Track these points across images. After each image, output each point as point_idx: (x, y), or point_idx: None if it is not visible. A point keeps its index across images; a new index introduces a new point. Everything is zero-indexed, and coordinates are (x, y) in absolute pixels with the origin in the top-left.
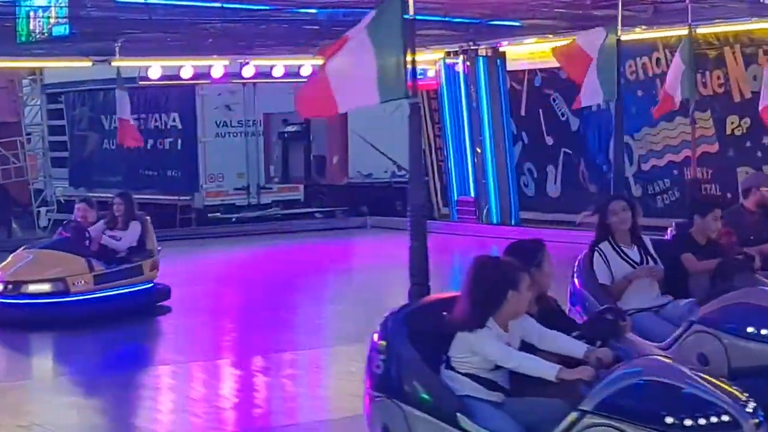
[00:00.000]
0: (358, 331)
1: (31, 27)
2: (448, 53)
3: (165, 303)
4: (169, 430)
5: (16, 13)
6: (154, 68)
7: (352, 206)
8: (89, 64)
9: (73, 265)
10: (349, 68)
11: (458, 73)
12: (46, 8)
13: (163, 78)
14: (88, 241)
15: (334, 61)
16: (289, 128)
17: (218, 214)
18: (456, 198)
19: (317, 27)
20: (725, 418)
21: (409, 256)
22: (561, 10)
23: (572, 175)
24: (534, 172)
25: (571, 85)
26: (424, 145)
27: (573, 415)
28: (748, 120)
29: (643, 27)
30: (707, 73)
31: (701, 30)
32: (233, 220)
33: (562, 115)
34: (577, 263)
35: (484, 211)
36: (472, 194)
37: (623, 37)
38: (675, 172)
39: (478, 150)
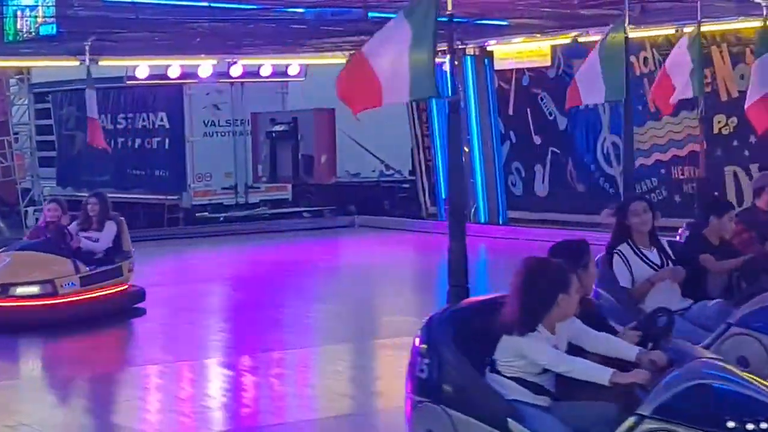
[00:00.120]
0: (346, 331)
1: (19, 26)
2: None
3: (140, 305)
4: (157, 429)
5: (3, 13)
6: (142, 68)
7: (340, 205)
8: (76, 63)
9: (60, 266)
10: (389, 62)
11: (446, 72)
12: (33, 7)
13: (150, 77)
14: (68, 243)
15: (376, 48)
16: (277, 127)
17: (206, 213)
18: (444, 197)
19: (305, 26)
20: None
21: (448, 257)
22: (548, 10)
23: (560, 174)
24: (522, 172)
25: (559, 84)
26: (412, 144)
27: (630, 420)
28: (735, 119)
29: (631, 26)
30: None
31: (688, 29)
32: (221, 219)
33: (550, 114)
34: None
35: (472, 211)
36: None
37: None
38: (662, 171)
39: (466, 149)
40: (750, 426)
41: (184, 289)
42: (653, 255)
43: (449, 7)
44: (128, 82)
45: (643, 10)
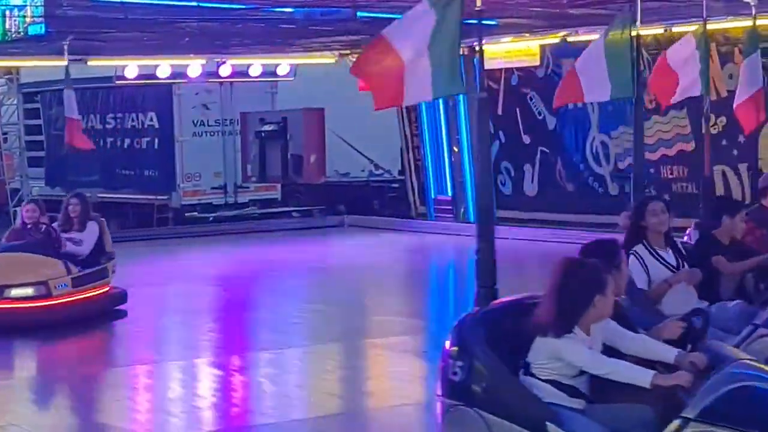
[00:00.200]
0: (335, 331)
1: (7, 26)
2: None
3: (122, 307)
4: (147, 429)
5: None
6: (131, 67)
7: (329, 205)
8: (65, 63)
9: (52, 268)
10: (412, 53)
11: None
12: (21, 7)
13: (139, 77)
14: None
15: (400, 37)
16: (266, 127)
17: (195, 213)
18: (433, 197)
19: (294, 26)
20: None
21: (476, 258)
22: (537, 9)
23: (549, 173)
24: (511, 171)
25: (548, 84)
26: (402, 143)
27: (675, 423)
28: (724, 119)
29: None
30: None
31: (677, 29)
32: (210, 219)
33: (539, 114)
34: None
35: (462, 210)
36: (450, 193)
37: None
38: (651, 170)
39: (455, 149)
40: None
41: (173, 289)
42: (669, 256)
43: (478, 3)
44: (117, 81)
45: (632, 9)
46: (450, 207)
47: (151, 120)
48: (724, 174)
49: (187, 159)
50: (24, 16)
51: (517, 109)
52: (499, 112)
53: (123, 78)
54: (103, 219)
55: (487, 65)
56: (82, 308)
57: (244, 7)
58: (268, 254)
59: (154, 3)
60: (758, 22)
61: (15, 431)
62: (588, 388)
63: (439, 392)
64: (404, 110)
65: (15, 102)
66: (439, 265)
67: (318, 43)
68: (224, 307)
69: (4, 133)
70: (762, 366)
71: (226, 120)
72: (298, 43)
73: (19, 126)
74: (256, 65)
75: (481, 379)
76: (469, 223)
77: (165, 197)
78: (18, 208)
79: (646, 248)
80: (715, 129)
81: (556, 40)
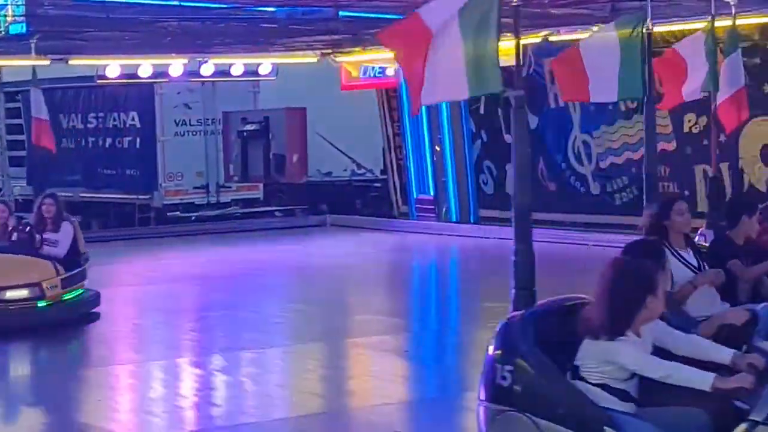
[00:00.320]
0: (317, 330)
1: None
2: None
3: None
4: (128, 429)
5: None
6: (113, 67)
7: (311, 205)
8: (47, 62)
9: (43, 269)
10: (437, 59)
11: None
12: (2, 6)
13: (121, 76)
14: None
15: (438, 22)
16: (249, 127)
17: (177, 213)
18: (415, 196)
19: (276, 25)
20: None
21: (513, 260)
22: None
23: (531, 173)
24: (493, 170)
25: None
26: (384, 143)
27: (742, 427)
28: (705, 118)
29: (600, 25)
30: None
31: (659, 28)
32: (192, 219)
33: None
34: None
35: (444, 210)
36: (432, 193)
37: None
38: (633, 169)
39: (437, 148)
40: None
41: (155, 288)
42: (689, 256)
43: None
44: (99, 81)
45: (613, 9)
46: (432, 207)
47: (133, 119)
48: (705, 173)
49: (169, 158)
50: (5, 15)
51: (499, 109)
52: (482, 111)
53: (104, 77)
54: (75, 219)
55: None
56: (69, 309)
57: (225, 6)
58: (251, 254)
59: (135, 2)
60: (738, 21)
61: None
62: (637, 392)
63: (483, 397)
64: (386, 109)
65: None
66: (421, 265)
67: (300, 43)
68: (206, 306)
69: None
70: None
71: (208, 119)
72: (280, 42)
73: (1, 125)
74: (238, 65)
75: (533, 384)
76: (451, 222)
77: (147, 197)
78: None
79: (668, 249)
80: (696, 128)
81: (538, 40)
